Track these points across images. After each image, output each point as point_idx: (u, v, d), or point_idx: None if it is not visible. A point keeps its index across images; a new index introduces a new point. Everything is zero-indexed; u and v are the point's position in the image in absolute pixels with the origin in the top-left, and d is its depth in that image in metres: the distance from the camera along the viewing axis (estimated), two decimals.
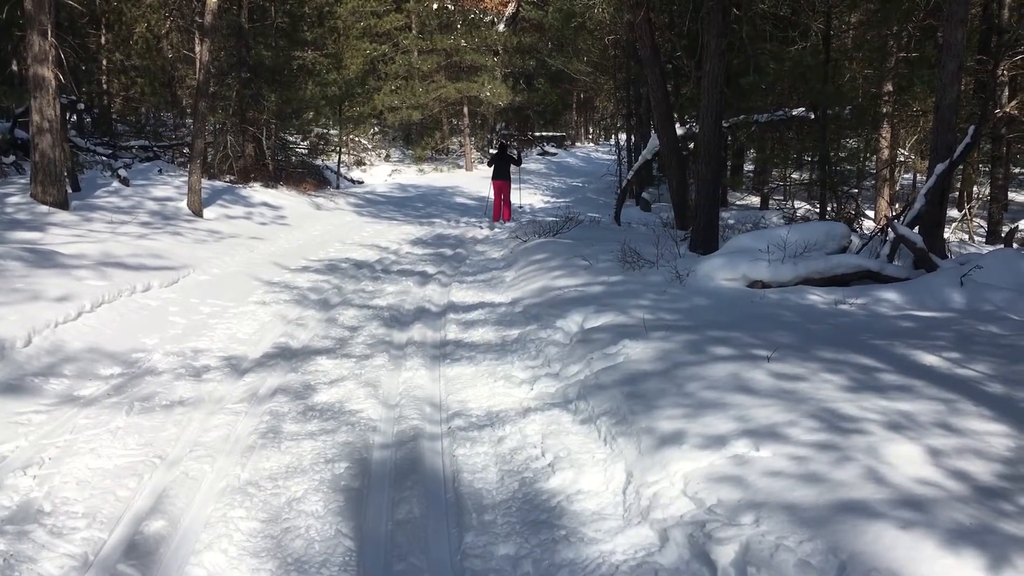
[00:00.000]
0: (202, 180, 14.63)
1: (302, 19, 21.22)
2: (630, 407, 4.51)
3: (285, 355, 6.36)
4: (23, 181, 13.23)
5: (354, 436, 4.64)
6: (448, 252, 13.03)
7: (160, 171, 17.18)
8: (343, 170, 25.18)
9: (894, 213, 13.16)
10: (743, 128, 17.59)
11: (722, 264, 8.17)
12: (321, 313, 7.98)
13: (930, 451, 3.56)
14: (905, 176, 22.12)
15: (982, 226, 18.37)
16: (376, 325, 7.51)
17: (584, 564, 3.26)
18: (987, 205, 18.27)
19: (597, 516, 3.64)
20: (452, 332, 7.33)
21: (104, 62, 20.14)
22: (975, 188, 19.70)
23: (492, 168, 18.14)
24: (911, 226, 8.74)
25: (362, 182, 25.83)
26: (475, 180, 27.89)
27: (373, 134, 31.41)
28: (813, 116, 15.25)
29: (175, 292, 8.32)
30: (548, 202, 22.63)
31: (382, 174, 28.09)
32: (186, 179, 14.77)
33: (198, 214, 13.88)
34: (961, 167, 14.45)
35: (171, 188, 15.45)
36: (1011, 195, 21.01)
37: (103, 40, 19.74)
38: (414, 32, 30.69)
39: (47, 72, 11.42)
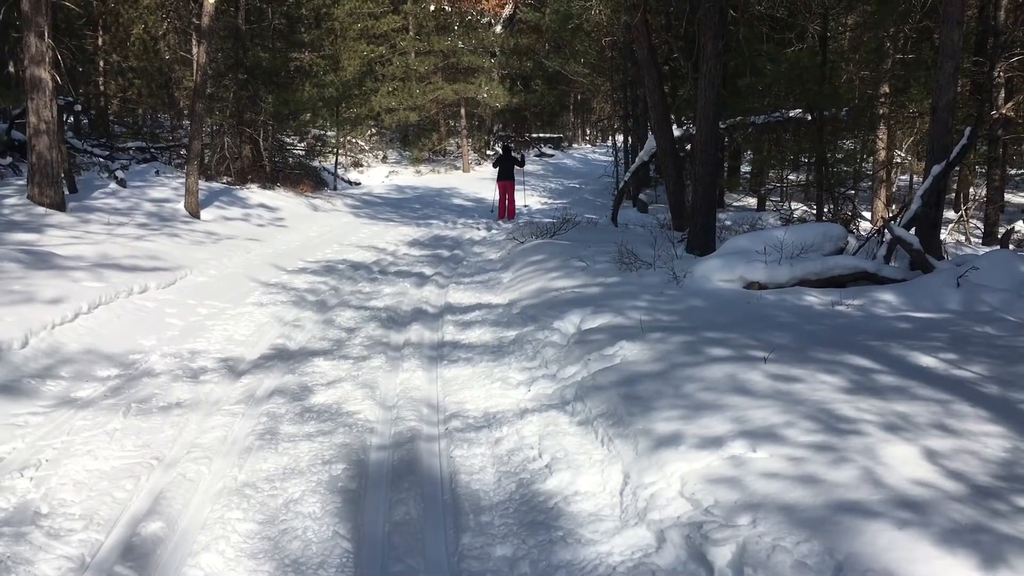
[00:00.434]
0: (199, 181, 14.63)
1: (299, 21, 21.22)
2: (627, 408, 4.52)
3: (282, 356, 6.36)
4: (20, 182, 13.22)
5: (351, 437, 4.64)
6: (445, 253, 13.03)
7: (157, 172, 17.17)
8: (340, 171, 25.18)
9: (891, 214, 13.18)
10: (740, 129, 17.62)
11: (719, 265, 8.18)
12: (318, 314, 7.98)
13: (926, 452, 3.57)
14: (902, 177, 22.16)
15: (978, 227, 18.40)
16: (373, 326, 7.51)
17: (581, 565, 3.27)
18: (983, 206, 18.29)
19: (594, 517, 3.64)
20: (449, 333, 7.34)
21: (101, 63, 20.12)
22: (971, 189, 19.73)
23: (497, 170, 18.82)
24: (908, 227, 8.76)
25: (359, 183, 25.82)
26: (472, 181, 27.93)
27: (370, 135, 31.40)
28: (810, 117, 15.28)
29: (172, 294, 8.31)
30: (545, 203, 22.65)
31: (379, 175, 28.08)
32: (183, 180, 14.77)
33: (195, 215, 13.88)
34: (957, 168, 14.49)
35: (168, 189, 15.45)
36: (1007, 196, 21.04)
37: (100, 41, 19.73)
38: (411, 33, 30.68)
39: (44, 73, 11.41)
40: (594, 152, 39.01)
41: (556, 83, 32.68)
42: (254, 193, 17.95)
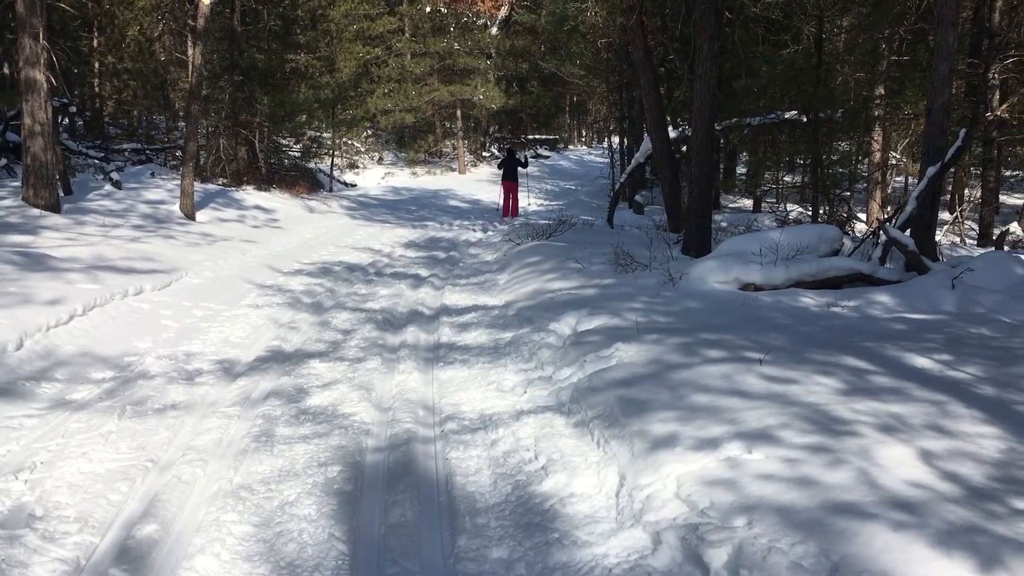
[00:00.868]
0: (195, 183, 14.61)
1: (295, 22, 21.20)
2: (623, 410, 4.52)
3: (278, 358, 6.35)
4: (15, 184, 13.19)
5: (347, 439, 4.63)
6: (441, 255, 13.02)
7: (152, 174, 17.15)
8: (336, 173, 25.16)
9: (886, 216, 13.21)
10: (736, 131, 17.62)
11: (715, 267, 8.18)
12: (314, 316, 7.97)
13: (922, 453, 3.58)
14: (897, 179, 22.19)
15: (973, 229, 18.44)
16: (369, 328, 7.51)
17: (577, 567, 3.27)
18: (978, 208, 18.34)
19: (590, 519, 3.64)
20: (445, 335, 7.33)
21: (96, 65, 20.09)
22: (966, 191, 19.79)
23: (501, 171, 19.76)
24: (903, 229, 8.77)
25: (355, 185, 25.81)
26: (468, 183, 27.93)
27: (366, 137, 31.39)
28: (805, 119, 15.29)
29: (168, 295, 8.30)
30: (541, 205, 22.64)
31: (375, 177, 28.07)
32: (179, 182, 14.74)
33: (191, 217, 13.86)
34: (952, 170, 14.51)
35: (163, 191, 15.43)
36: (1002, 198, 21.05)
37: (95, 43, 19.70)
38: (407, 35, 30.67)
39: (39, 75, 11.38)
40: (590, 154, 39.05)
41: (552, 85, 32.70)
42: (250, 195, 17.93)
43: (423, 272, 11.04)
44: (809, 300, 7.36)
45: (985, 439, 3.74)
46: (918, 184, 9.18)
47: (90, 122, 20.58)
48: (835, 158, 16.21)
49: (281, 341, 6.89)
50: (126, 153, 19.18)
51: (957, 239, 17.33)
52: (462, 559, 3.38)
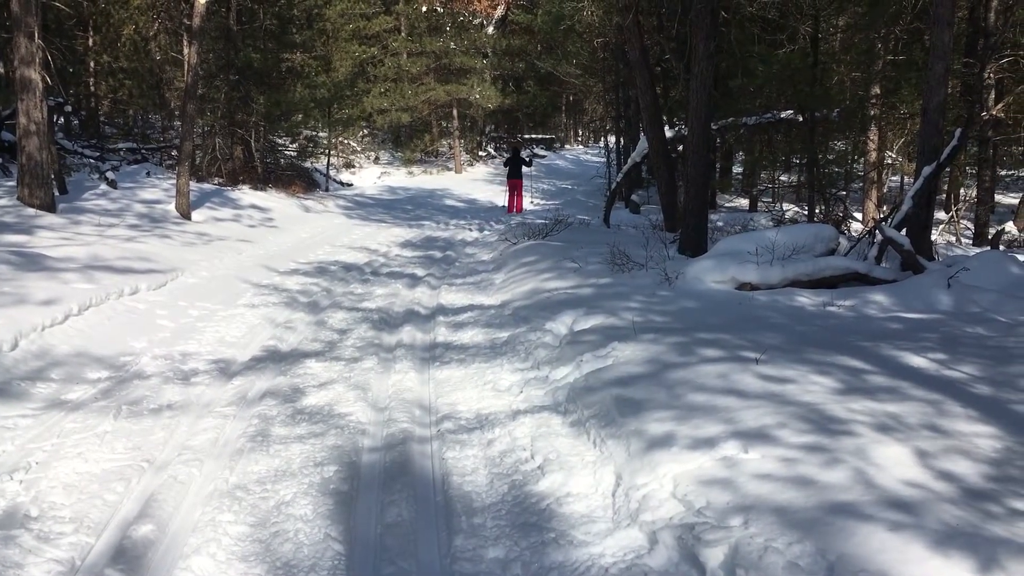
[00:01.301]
0: (190, 183, 14.59)
1: (291, 21, 21.18)
2: (619, 409, 4.52)
3: (274, 358, 6.35)
4: (10, 184, 13.17)
5: (343, 439, 4.63)
6: (437, 255, 13.02)
7: (148, 174, 17.13)
8: (332, 172, 25.14)
9: (882, 215, 13.22)
10: (732, 130, 17.64)
11: (711, 266, 8.19)
12: (310, 316, 7.96)
13: (918, 453, 3.58)
14: (893, 178, 22.22)
15: (969, 228, 18.47)
16: (365, 328, 7.50)
17: (573, 567, 3.26)
18: (974, 207, 18.37)
19: (586, 519, 3.64)
20: (441, 335, 7.33)
21: (92, 64, 20.07)
22: (962, 190, 19.80)
23: (508, 169, 20.84)
24: (899, 228, 8.78)
25: (351, 184, 25.79)
26: (464, 182, 27.92)
27: (362, 136, 31.37)
28: (801, 119, 15.31)
29: (163, 295, 8.28)
30: (537, 204, 22.64)
31: (371, 176, 28.05)
32: (174, 182, 14.72)
33: (186, 217, 13.84)
34: (948, 169, 14.54)
35: (159, 191, 15.40)
36: (997, 197, 21.13)
37: (91, 42, 19.67)
38: (403, 34, 30.65)
39: (34, 74, 11.36)
40: (586, 153, 39.04)
41: (548, 84, 32.69)
42: (245, 194, 17.91)
43: (419, 271, 11.04)
44: (805, 299, 7.37)
45: (981, 438, 3.74)
46: (914, 183, 9.20)
47: (85, 121, 20.56)
48: (831, 157, 16.24)
49: (277, 341, 6.88)
50: (121, 152, 19.15)
51: (953, 238, 17.36)
52: (458, 559, 3.38)
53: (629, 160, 17.62)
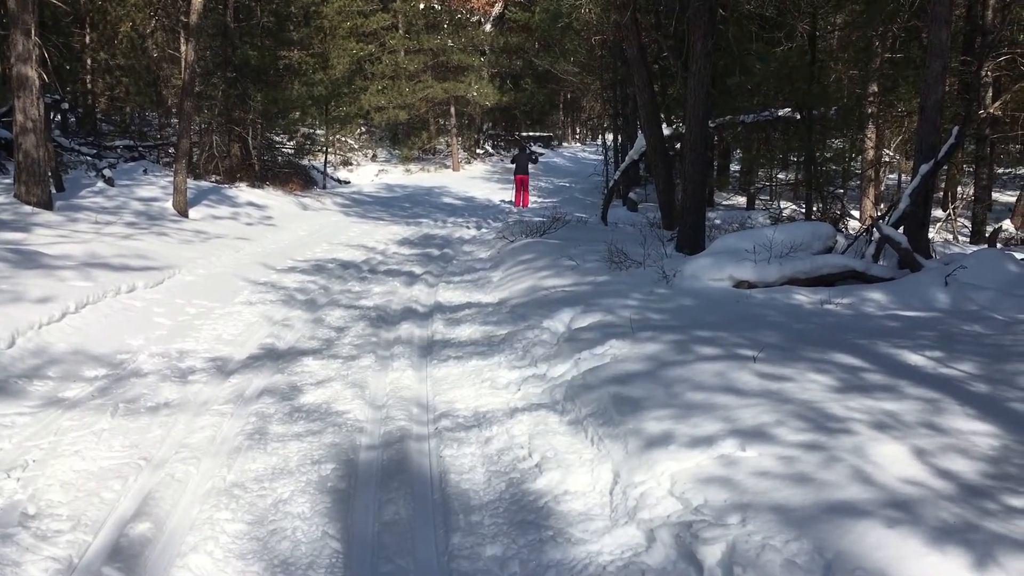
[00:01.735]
0: (188, 180, 14.57)
1: (288, 19, 21.16)
2: (617, 407, 4.52)
3: (271, 356, 6.34)
4: (7, 181, 13.14)
5: (341, 437, 4.62)
6: (435, 252, 13.01)
7: (145, 171, 17.09)
8: (330, 170, 25.12)
9: (879, 213, 13.23)
10: (729, 128, 17.65)
11: (708, 264, 8.19)
12: (308, 314, 7.96)
13: (915, 450, 3.58)
14: (890, 176, 22.24)
15: (966, 226, 18.48)
16: (363, 326, 7.50)
17: (571, 565, 3.27)
18: (971, 205, 18.38)
19: (584, 516, 3.64)
20: (439, 333, 7.32)
21: (89, 61, 20.01)
22: (959, 188, 19.83)
23: (515, 165, 21.78)
24: (896, 226, 8.79)
25: (349, 182, 25.77)
26: (462, 180, 27.91)
27: (360, 134, 31.33)
28: (799, 116, 15.30)
29: (160, 293, 8.27)
30: (535, 202, 22.63)
31: (369, 174, 28.02)
32: (171, 179, 14.71)
33: (184, 214, 13.82)
34: (945, 167, 14.55)
35: (156, 188, 15.39)
36: (995, 195, 21.14)
37: (87, 39, 19.62)
38: (401, 32, 30.62)
39: (31, 71, 11.34)
40: (584, 151, 39.02)
41: (546, 82, 32.69)
42: (243, 192, 17.89)
43: (417, 269, 11.03)
44: (803, 297, 7.37)
45: (978, 436, 3.75)
46: (911, 181, 9.20)
47: (82, 119, 20.50)
48: (828, 155, 16.21)
49: (274, 339, 6.87)
50: (118, 150, 19.11)
51: (950, 236, 17.38)
52: (456, 557, 3.38)
53: (627, 158, 17.63)
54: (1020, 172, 22.54)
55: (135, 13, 19.33)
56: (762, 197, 21.57)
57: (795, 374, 4.71)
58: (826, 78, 15.23)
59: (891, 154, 19.44)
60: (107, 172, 15.63)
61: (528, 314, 7.33)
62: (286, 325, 7.41)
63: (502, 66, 32.58)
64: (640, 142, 15.63)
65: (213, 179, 18.67)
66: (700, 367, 4.95)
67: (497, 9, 33.24)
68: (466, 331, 7.30)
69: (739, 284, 7.96)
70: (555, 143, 40.24)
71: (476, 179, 28.55)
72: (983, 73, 15.37)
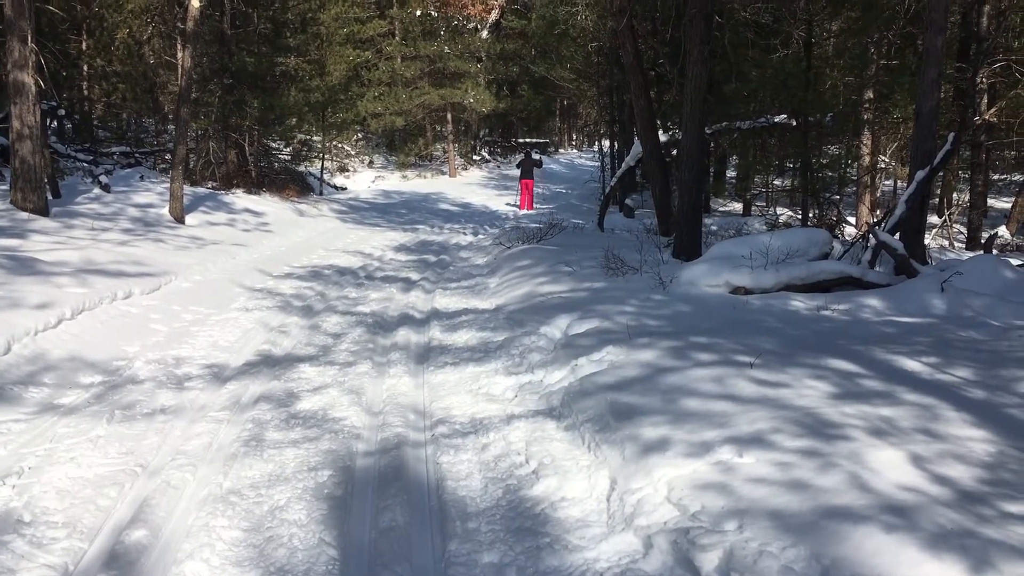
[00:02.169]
0: (184, 186, 14.56)
1: (285, 25, 21.15)
2: (614, 414, 4.51)
3: (268, 362, 6.33)
4: (3, 187, 13.11)
5: (337, 444, 4.62)
6: (432, 258, 13.01)
7: (142, 177, 17.08)
8: (326, 176, 25.11)
9: (875, 219, 13.25)
10: (726, 135, 17.67)
11: (705, 270, 8.20)
12: (304, 320, 7.95)
13: (912, 457, 3.59)
14: (886, 183, 22.28)
15: (962, 232, 18.52)
16: (360, 332, 7.49)
17: (568, 571, 3.26)
18: (967, 211, 18.42)
19: (581, 523, 3.64)
20: (436, 339, 7.32)
21: (85, 68, 20.00)
22: (955, 194, 19.89)
23: (520, 169, 22.58)
24: (892, 232, 8.80)
25: (345, 188, 25.77)
26: (459, 186, 27.93)
27: (356, 140, 31.34)
28: (795, 123, 15.35)
29: (157, 299, 8.26)
30: (532, 208, 22.65)
31: (365, 180, 28.03)
32: (168, 185, 14.68)
33: (180, 221, 13.81)
34: (941, 174, 14.59)
35: (153, 195, 15.37)
36: (990, 201, 21.17)
37: (84, 46, 19.62)
38: (397, 38, 30.65)
39: (27, 78, 11.33)
40: (580, 157, 39.08)
41: (542, 88, 32.75)
42: (239, 198, 17.88)
43: (414, 275, 11.03)
44: (799, 304, 7.38)
45: (975, 442, 3.75)
46: (907, 188, 9.22)
47: (79, 125, 20.48)
48: (824, 162, 16.26)
49: (271, 345, 6.86)
50: (115, 156, 19.10)
51: (946, 243, 17.41)
52: (453, 563, 3.37)
53: (623, 164, 17.65)
54: (1016, 178, 22.61)
55: (132, 20, 19.32)
56: (758, 203, 21.62)
57: (792, 380, 4.72)
58: (822, 85, 15.28)
59: (887, 160, 19.49)
60: (103, 178, 15.61)
61: (525, 320, 7.32)
62: (282, 331, 7.40)
63: (499, 73, 32.64)
64: (637, 148, 15.64)
65: (210, 185, 18.65)
66: (697, 373, 4.95)
67: (494, 16, 33.31)
68: (463, 337, 7.29)
69: (736, 290, 7.97)
70: (552, 149, 40.28)
71: (473, 185, 28.57)
72: (978, 80, 15.41)
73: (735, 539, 3.11)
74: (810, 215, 14.64)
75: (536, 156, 23.46)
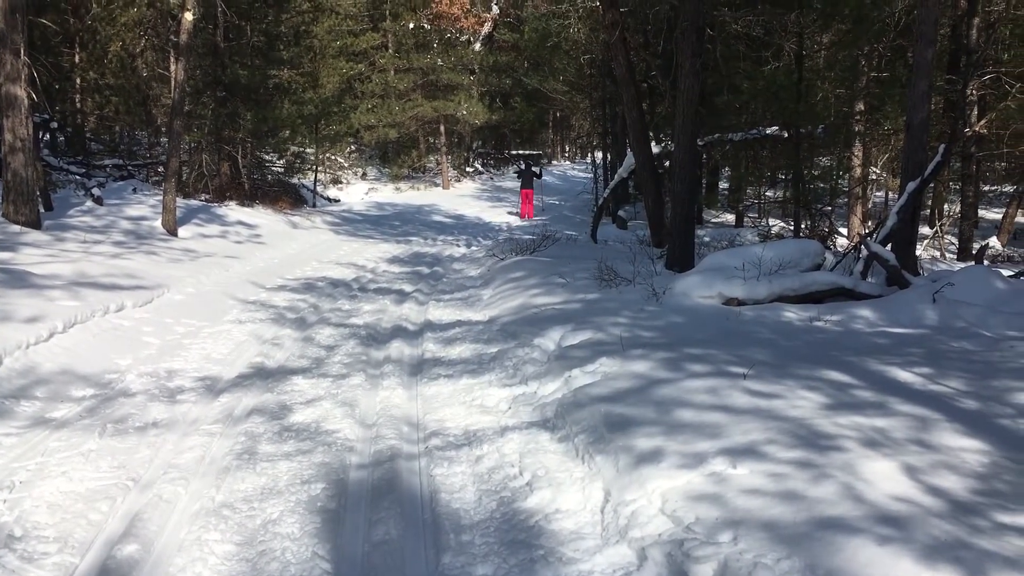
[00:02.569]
0: (177, 199, 14.54)
1: (278, 38, 21.18)
2: (608, 425, 4.51)
3: (261, 375, 6.32)
4: None
5: (331, 456, 4.60)
6: (425, 270, 13.01)
7: (134, 190, 17.07)
8: (319, 188, 25.11)
9: (867, 231, 13.30)
10: (718, 146, 17.73)
11: (698, 282, 8.21)
12: (297, 332, 7.93)
13: (906, 467, 3.59)
14: (877, 194, 22.38)
15: (953, 243, 18.60)
16: (353, 344, 7.48)
17: None
18: (958, 222, 18.51)
19: (575, 535, 3.63)
20: (429, 351, 7.31)
21: (78, 80, 19.99)
22: (946, 206, 19.97)
23: (520, 179, 23.83)
24: (884, 243, 8.84)
25: (338, 200, 25.77)
26: (452, 198, 27.97)
27: (349, 152, 31.38)
28: (787, 135, 15.41)
29: (149, 312, 8.24)
30: (525, 220, 22.70)
31: (359, 192, 28.04)
32: (161, 198, 14.67)
33: (173, 233, 13.79)
34: (932, 185, 14.65)
35: (145, 207, 15.35)
36: (981, 212, 21.30)
37: (77, 59, 19.61)
38: (390, 51, 30.73)
39: (19, 91, 11.33)
40: (573, 169, 39.18)
41: (535, 100, 32.83)
42: (232, 210, 17.87)
43: (407, 287, 11.02)
44: (792, 315, 7.39)
45: (968, 453, 3.76)
46: (898, 199, 9.27)
47: (71, 138, 20.46)
48: (816, 173, 16.33)
49: (264, 357, 6.85)
50: (107, 169, 19.09)
51: (937, 253, 17.48)
52: None
53: (616, 176, 17.69)
54: (1006, 189, 22.71)
55: (125, 32, 19.33)
56: (751, 215, 21.67)
57: (785, 391, 4.72)
58: (813, 97, 15.35)
59: (878, 172, 19.57)
60: (96, 191, 15.58)
61: (518, 332, 7.32)
62: (276, 344, 7.39)
63: (491, 85, 32.73)
64: (629, 160, 15.68)
65: (202, 198, 18.63)
66: (690, 384, 4.95)
67: (486, 28, 33.44)
68: (456, 349, 7.29)
69: (728, 301, 7.98)
70: (545, 161, 40.35)
71: (466, 197, 28.62)
72: (968, 92, 15.51)
73: (729, 551, 3.11)
74: (802, 226, 14.69)
75: (535, 169, 24.51)
